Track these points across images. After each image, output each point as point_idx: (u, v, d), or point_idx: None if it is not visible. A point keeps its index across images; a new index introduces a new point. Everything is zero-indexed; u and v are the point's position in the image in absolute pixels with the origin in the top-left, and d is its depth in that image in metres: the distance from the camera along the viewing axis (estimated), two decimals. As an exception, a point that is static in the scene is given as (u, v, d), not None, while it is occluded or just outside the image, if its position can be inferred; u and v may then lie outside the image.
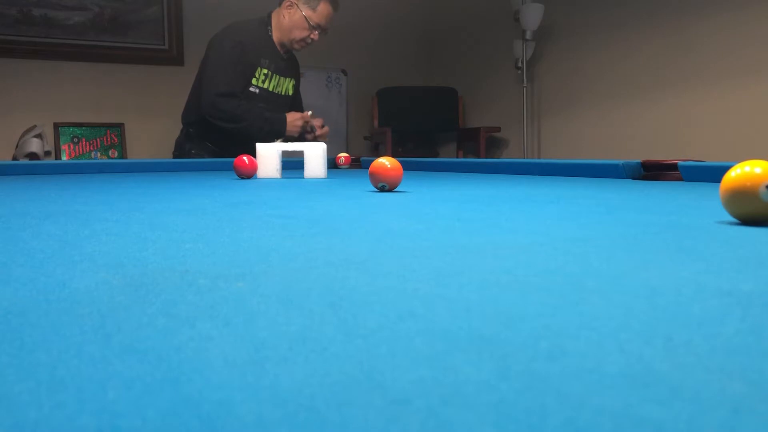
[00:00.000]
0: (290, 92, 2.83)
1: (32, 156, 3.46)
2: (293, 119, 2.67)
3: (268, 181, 1.70)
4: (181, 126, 2.89)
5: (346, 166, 2.48)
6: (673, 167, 1.63)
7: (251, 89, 2.66)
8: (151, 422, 0.21)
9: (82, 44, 3.79)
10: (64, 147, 3.76)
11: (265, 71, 2.67)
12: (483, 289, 0.41)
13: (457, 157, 4.09)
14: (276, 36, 2.73)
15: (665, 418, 0.21)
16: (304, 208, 0.96)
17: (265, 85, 2.70)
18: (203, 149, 2.76)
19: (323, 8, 2.65)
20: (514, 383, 0.24)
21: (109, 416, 0.21)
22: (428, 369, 0.26)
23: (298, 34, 2.68)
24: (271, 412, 0.22)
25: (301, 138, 2.79)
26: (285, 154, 1.89)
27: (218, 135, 2.70)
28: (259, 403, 0.22)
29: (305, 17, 2.65)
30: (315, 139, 2.76)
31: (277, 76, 2.74)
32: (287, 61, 2.80)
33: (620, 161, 1.73)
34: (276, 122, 2.65)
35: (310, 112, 2.71)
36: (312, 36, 2.68)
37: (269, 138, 2.47)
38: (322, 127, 2.76)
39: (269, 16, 2.75)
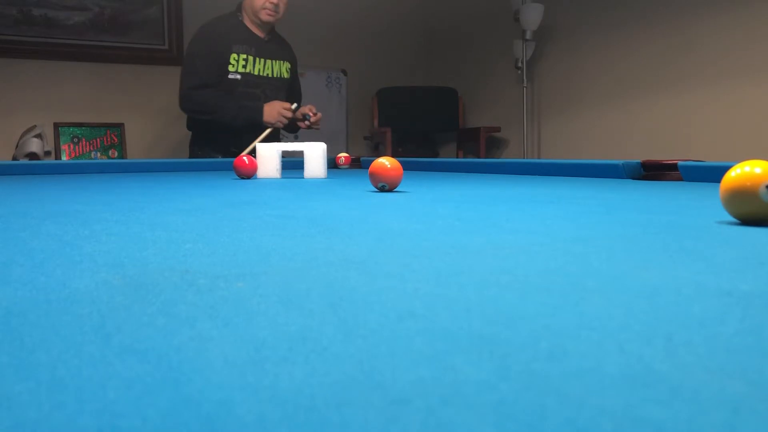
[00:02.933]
0: (285, 75, 2.83)
1: (32, 156, 3.46)
2: (271, 108, 2.66)
3: (268, 181, 1.70)
4: (182, 125, 2.92)
5: (346, 166, 2.49)
6: (673, 167, 1.63)
7: (231, 77, 2.67)
8: (151, 422, 0.21)
9: (82, 44, 3.79)
10: (64, 147, 3.76)
11: (244, 56, 2.68)
12: (483, 289, 0.41)
13: (457, 157, 4.09)
14: (248, 19, 2.75)
15: (665, 418, 0.21)
16: (304, 208, 0.96)
17: (247, 70, 2.69)
18: (208, 150, 2.78)
19: None
20: (514, 383, 0.24)
21: (109, 416, 0.21)
22: (428, 369, 0.26)
23: (257, 2, 2.66)
24: (271, 412, 0.22)
25: (292, 127, 2.80)
26: (285, 154, 1.89)
27: (222, 135, 2.72)
28: (259, 403, 0.22)
29: None
30: (309, 127, 2.78)
31: (262, 59, 2.74)
32: (272, 43, 2.80)
33: (620, 161, 1.73)
34: (252, 110, 2.65)
35: (294, 105, 2.71)
36: (271, 0, 2.66)
37: (250, 128, 2.52)
38: (315, 113, 2.76)
39: (240, 5, 2.77)
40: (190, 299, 0.38)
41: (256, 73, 2.72)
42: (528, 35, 3.72)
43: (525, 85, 3.82)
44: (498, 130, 4.13)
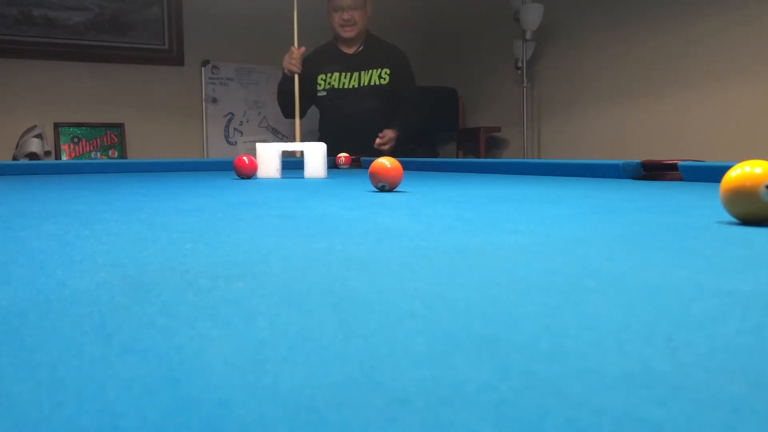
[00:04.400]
0: (378, 81, 2.99)
1: (32, 156, 3.47)
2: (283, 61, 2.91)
3: (268, 181, 1.70)
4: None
5: (346, 166, 2.49)
6: (673, 167, 1.63)
7: (319, 94, 3.04)
8: (151, 422, 0.21)
9: (83, 44, 3.79)
10: (64, 147, 3.76)
11: (330, 74, 3.01)
12: (483, 289, 0.41)
13: (457, 157, 4.09)
14: (339, 41, 3.02)
15: (665, 418, 0.21)
16: (304, 208, 0.96)
17: (332, 85, 3.01)
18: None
19: None
20: (514, 383, 0.24)
21: (109, 416, 0.21)
22: (428, 369, 0.26)
23: (333, 22, 2.95)
24: (271, 412, 0.22)
25: (344, 119, 2.97)
26: (285, 154, 1.89)
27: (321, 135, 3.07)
28: (259, 403, 0.22)
29: (327, 6, 2.97)
30: (376, 146, 2.93)
31: (349, 73, 2.99)
32: (363, 55, 3.00)
33: (620, 161, 1.73)
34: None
35: (296, 47, 2.83)
36: (343, 17, 2.90)
37: (287, 85, 2.85)
38: (381, 136, 2.91)
39: None
40: (190, 299, 0.38)
41: (339, 86, 3.01)
42: (528, 35, 3.72)
43: (525, 85, 3.82)
44: (498, 130, 4.13)
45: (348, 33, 2.94)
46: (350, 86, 3.00)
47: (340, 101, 3.02)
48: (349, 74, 3.00)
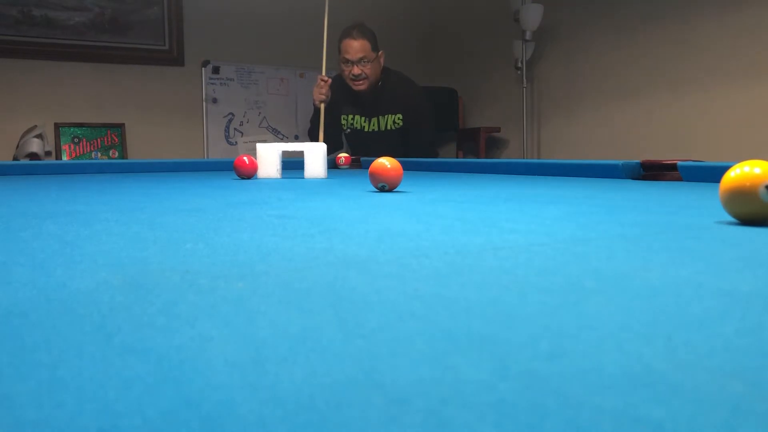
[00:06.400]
0: (393, 127, 3.08)
1: (33, 156, 3.46)
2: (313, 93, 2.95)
3: (268, 181, 1.70)
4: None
5: (346, 166, 2.49)
6: (673, 167, 1.63)
7: (345, 131, 3.16)
8: (151, 422, 0.21)
9: (83, 44, 3.79)
10: (64, 147, 3.76)
11: (351, 116, 3.10)
12: (483, 289, 0.41)
13: (457, 157, 4.09)
14: None
15: (665, 418, 0.21)
16: (304, 208, 0.96)
17: (356, 126, 3.12)
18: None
19: (344, 45, 2.95)
20: (514, 383, 0.24)
21: (109, 416, 0.21)
22: (428, 369, 0.26)
23: (344, 74, 2.97)
24: (272, 412, 0.22)
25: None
26: (285, 154, 1.89)
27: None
28: (259, 403, 0.22)
29: (340, 59, 2.97)
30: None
31: (367, 118, 3.07)
32: (378, 101, 3.03)
33: (620, 161, 1.73)
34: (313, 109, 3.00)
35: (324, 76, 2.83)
36: (353, 71, 2.92)
37: (316, 117, 2.83)
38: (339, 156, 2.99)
39: None
40: (191, 299, 0.38)
41: (358, 128, 3.10)
42: (528, 36, 3.72)
43: (525, 86, 3.82)
44: (498, 130, 4.13)
45: (359, 87, 2.95)
46: (370, 129, 3.10)
47: (364, 140, 3.11)
48: (367, 119, 3.09)
